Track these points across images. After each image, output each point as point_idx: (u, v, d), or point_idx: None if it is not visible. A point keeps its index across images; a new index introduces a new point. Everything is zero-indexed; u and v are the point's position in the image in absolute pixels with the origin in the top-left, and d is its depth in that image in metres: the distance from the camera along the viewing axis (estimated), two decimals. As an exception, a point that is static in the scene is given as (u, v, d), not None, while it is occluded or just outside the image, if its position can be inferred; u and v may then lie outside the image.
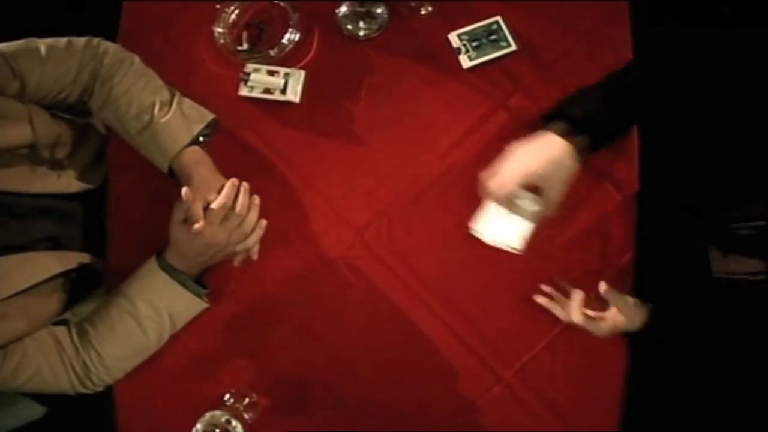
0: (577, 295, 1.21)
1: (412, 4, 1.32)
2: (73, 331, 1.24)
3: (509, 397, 1.28)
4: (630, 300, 1.20)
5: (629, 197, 1.29)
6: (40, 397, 1.66)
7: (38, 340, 1.20)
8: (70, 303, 1.27)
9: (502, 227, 1.17)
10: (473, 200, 1.22)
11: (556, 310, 1.25)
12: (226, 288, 1.32)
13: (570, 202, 1.17)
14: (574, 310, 1.20)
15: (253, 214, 1.23)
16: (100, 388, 1.28)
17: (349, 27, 1.34)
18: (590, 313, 1.21)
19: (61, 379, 1.22)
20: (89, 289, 1.33)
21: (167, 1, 1.41)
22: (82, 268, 1.26)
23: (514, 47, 1.31)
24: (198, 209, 1.18)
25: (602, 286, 1.16)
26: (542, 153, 1.12)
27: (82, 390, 1.26)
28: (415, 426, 1.30)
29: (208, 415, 1.23)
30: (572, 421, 1.28)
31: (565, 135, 1.12)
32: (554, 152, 1.11)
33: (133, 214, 1.34)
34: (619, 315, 1.19)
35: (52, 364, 1.21)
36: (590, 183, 1.28)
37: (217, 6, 1.35)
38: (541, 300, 1.26)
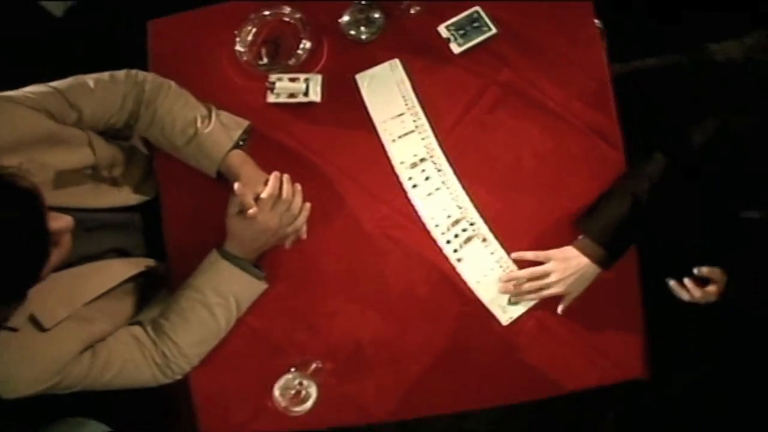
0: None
1: (402, 5, 1.57)
2: (148, 327, 1.42)
3: (540, 328, 1.49)
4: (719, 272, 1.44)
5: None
6: (104, 418, 1.79)
7: (119, 338, 1.37)
8: (141, 304, 1.44)
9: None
10: (482, 163, 1.51)
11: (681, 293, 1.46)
12: (279, 270, 1.52)
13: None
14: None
15: (298, 198, 1.44)
16: (179, 376, 1.45)
17: (353, 32, 1.58)
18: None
19: (144, 372, 1.39)
20: (155, 290, 1.48)
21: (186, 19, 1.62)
22: (147, 272, 1.42)
23: (494, 30, 1.56)
24: (250, 199, 1.39)
25: (703, 270, 1.42)
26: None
27: (164, 380, 1.43)
28: (458, 362, 1.49)
29: (282, 380, 1.44)
30: (598, 342, 1.48)
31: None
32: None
33: (186, 219, 1.54)
34: (718, 284, 1.43)
35: (134, 358, 1.38)
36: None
37: (235, 31, 1.56)
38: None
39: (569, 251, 1.45)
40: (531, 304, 1.49)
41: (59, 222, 1.07)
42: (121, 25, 2.15)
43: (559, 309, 1.47)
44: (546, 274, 1.45)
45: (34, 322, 1.20)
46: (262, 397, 1.47)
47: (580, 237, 1.45)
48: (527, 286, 1.47)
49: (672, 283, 1.45)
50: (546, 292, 1.46)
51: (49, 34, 2.42)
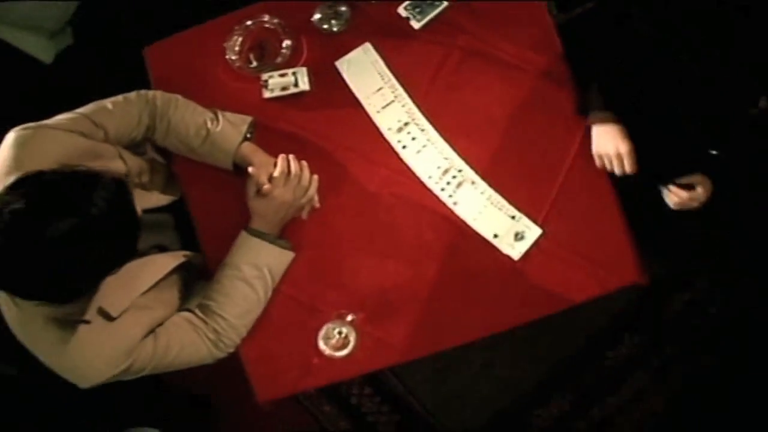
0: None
1: None
2: (197, 311, 1.60)
3: (539, 252, 1.71)
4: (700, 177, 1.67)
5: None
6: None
7: (174, 322, 1.55)
8: (186, 291, 1.62)
9: None
10: (458, 117, 1.76)
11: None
12: (302, 239, 1.73)
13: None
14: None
15: (306, 172, 1.67)
16: (231, 349, 1.63)
17: (325, 27, 1.82)
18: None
19: (200, 349, 1.57)
20: (195, 279, 1.67)
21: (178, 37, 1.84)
22: (187, 263, 1.60)
23: (446, 3, 1.81)
24: (264, 179, 1.62)
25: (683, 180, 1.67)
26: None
27: (219, 354, 1.61)
28: (472, 293, 1.71)
29: (323, 330, 1.65)
30: (594, 256, 1.71)
31: None
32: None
33: (211, 210, 1.74)
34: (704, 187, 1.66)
35: (191, 338, 1.56)
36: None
37: (224, 43, 1.78)
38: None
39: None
40: (537, 234, 1.71)
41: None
42: (115, 58, 2.37)
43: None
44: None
45: (103, 313, 1.37)
46: (307, 355, 1.68)
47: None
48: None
49: (664, 190, 1.69)
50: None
51: (43, 82, 2.62)
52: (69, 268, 1.19)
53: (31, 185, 1.17)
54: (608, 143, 1.68)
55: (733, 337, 2.71)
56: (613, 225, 1.75)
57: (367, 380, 2.71)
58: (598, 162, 1.72)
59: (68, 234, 1.15)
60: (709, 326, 2.73)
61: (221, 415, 2.55)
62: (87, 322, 1.34)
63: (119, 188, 1.22)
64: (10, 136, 1.42)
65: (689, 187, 1.69)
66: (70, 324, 1.33)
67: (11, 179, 1.22)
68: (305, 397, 2.69)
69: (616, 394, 2.73)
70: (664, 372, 2.73)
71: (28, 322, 1.34)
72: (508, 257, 1.72)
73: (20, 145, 1.40)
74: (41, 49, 2.69)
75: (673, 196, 1.70)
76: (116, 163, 1.53)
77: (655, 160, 1.74)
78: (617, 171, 1.69)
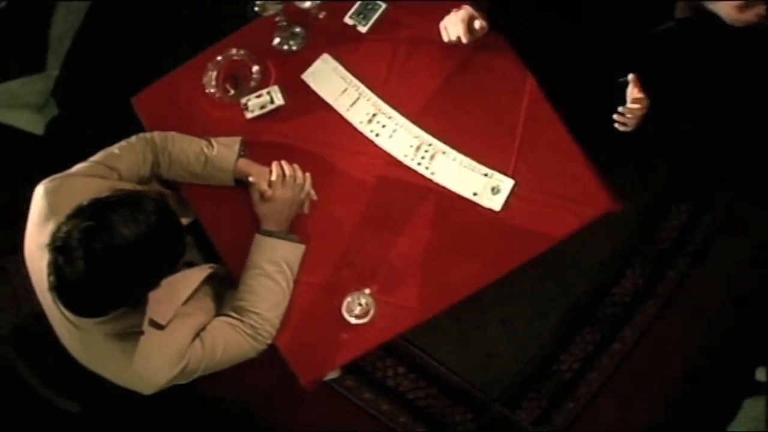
0: None
1: (311, 14, 2.10)
2: (231, 312, 1.86)
3: (519, 199, 2.01)
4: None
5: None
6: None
7: (215, 326, 1.81)
8: (218, 298, 1.89)
9: None
10: (417, 99, 2.08)
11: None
12: (308, 232, 2.01)
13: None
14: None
15: (299, 171, 1.97)
16: (269, 340, 1.89)
17: (285, 48, 2.12)
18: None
19: (242, 345, 1.83)
20: (223, 288, 1.95)
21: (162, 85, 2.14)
22: (213, 275, 1.88)
23: (384, 5, 2.12)
24: (264, 185, 1.91)
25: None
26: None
27: (259, 347, 1.86)
28: (468, 247, 2.01)
29: (345, 303, 1.94)
30: (568, 193, 2.01)
31: None
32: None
33: (224, 224, 2.02)
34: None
35: (231, 336, 1.82)
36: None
37: (202, 81, 2.07)
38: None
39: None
40: (511, 185, 2.01)
41: None
42: (100, 117, 2.70)
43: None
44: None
45: (154, 324, 1.64)
46: (336, 332, 1.97)
47: None
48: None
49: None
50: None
51: (40, 153, 2.93)
52: (138, 272, 1.45)
53: (92, 208, 1.43)
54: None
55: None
56: (577, 162, 2.05)
57: (399, 360, 2.98)
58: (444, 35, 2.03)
59: (135, 241, 1.41)
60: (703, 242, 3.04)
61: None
62: (141, 332, 1.60)
63: (161, 201, 1.50)
64: (40, 189, 1.69)
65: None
66: (127, 337, 1.59)
67: (51, 225, 1.49)
68: (345, 388, 2.95)
69: (630, 326, 3.00)
70: (671, 298, 3.00)
71: (91, 341, 1.60)
72: (491, 210, 2.01)
73: (52, 194, 1.66)
74: (32, 124, 3.01)
75: (626, 116, 1.96)
76: None
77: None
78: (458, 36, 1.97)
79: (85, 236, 1.38)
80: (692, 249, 3.05)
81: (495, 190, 2.02)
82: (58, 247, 1.40)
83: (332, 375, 2.80)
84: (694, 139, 2.36)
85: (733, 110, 2.10)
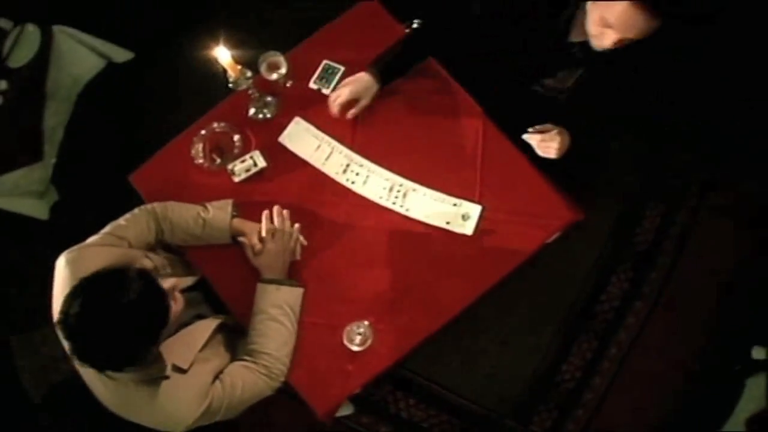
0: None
1: (279, 83, 2.41)
2: (245, 356, 2.13)
3: (490, 222, 2.33)
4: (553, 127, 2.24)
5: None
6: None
7: (232, 369, 2.07)
8: (230, 346, 2.16)
9: None
10: (384, 146, 2.40)
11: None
12: (304, 276, 2.30)
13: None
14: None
15: (287, 222, 2.26)
16: (283, 377, 2.15)
17: (261, 116, 2.43)
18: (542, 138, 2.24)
19: (258, 383, 2.09)
20: (234, 337, 2.22)
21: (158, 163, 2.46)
22: (224, 324, 2.16)
23: (342, 68, 2.45)
24: (256, 240, 2.22)
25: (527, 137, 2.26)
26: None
27: (274, 384, 2.13)
28: (449, 271, 2.31)
29: (345, 334, 2.20)
30: (531, 210, 2.33)
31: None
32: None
33: (228, 278, 2.30)
34: (559, 135, 2.21)
35: (248, 377, 2.08)
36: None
37: (191, 153, 2.39)
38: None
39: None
40: (479, 210, 2.31)
41: (167, 283, 1.81)
42: (98, 197, 3.07)
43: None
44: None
45: (177, 368, 1.91)
46: (342, 363, 2.25)
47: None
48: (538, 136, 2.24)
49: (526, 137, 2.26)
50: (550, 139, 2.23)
51: (45, 236, 3.25)
52: (133, 332, 1.71)
53: (83, 285, 1.71)
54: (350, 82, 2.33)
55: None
56: (535, 180, 2.36)
57: (408, 392, 3.25)
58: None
59: (123, 308, 1.68)
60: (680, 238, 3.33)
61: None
62: (167, 377, 1.87)
63: (143, 272, 1.77)
64: (61, 260, 1.97)
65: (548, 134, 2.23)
66: (154, 382, 1.86)
67: None
68: (361, 425, 3.20)
69: (625, 329, 3.27)
70: (658, 296, 3.28)
71: (122, 390, 1.86)
72: (464, 235, 2.31)
73: (72, 263, 1.94)
74: (36, 210, 3.34)
75: (535, 143, 2.25)
76: (145, 261, 2.07)
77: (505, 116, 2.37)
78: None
79: (81, 310, 1.67)
80: (671, 246, 3.33)
81: (465, 217, 2.32)
82: (62, 320, 1.69)
83: (347, 411, 3.05)
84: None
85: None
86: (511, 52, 2.28)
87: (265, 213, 2.26)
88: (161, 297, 1.77)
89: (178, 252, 2.32)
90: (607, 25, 1.95)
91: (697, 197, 3.39)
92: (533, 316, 3.29)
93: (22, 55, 3.09)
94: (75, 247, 2.02)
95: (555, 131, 2.24)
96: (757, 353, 3.04)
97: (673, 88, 2.26)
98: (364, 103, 2.34)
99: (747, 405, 2.93)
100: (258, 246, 2.21)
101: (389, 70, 2.35)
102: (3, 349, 2.82)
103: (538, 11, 2.19)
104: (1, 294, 3.31)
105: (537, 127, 2.26)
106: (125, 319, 1.69)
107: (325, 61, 2.47)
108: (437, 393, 3.25)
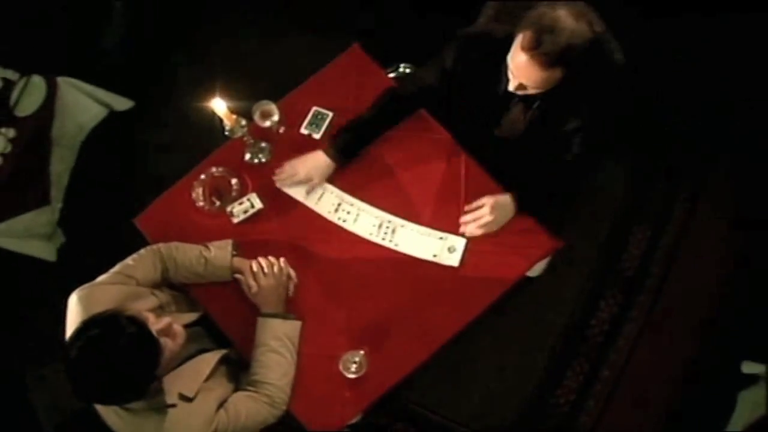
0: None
1: (273, 130, 2.62)
2: (248, 387, 2.30)
3: (475, 253, 2.54)
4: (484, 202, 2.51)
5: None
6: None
7: (236, 398, 2.24)
8: (233, 378, 2.34)
9: None
10: (371, 185, 2.63)
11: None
12: (301, 311, 2.48)
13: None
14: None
15: (274, 259, 2.46)
16: (284, 406, 2.32)
17: (256, 160, 2.64)
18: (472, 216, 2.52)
19: (261, 411, 2.26)
20: (237, 370, 2.40)
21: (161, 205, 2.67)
22: (226, 357, 2.34)
23: (331, 114, 2.67)
24: (251, 280, 2.41)
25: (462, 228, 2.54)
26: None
27: (276, 412, 2.30)
28: (437, 300, 2.51)
29: (341, 363, 2.38)
30: (512, 242, 2.54)
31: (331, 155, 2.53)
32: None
33: (229, 315, 2.48)
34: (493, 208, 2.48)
35: (251, 405, 2.25)
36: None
37: (192, 196, 2.59)
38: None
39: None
40: (464, 243, 2.52)
41: (160, 324, 1.99)
42: (103, 239, 3.29)
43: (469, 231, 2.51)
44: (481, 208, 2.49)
45: (183, 397, 2.08)
46: (341, 391, 2.43)
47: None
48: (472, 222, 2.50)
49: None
50: (483, 221, 2.48)
51: (55, 277, 3.44)
52: (129, 369, 1.88)
53: (81, 330, 1.88)
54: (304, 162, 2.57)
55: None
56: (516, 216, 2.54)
57: (410, 423, 3.41)
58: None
59: (119, 350, 1.86)
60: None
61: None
62: (174, 405, 2.05)
63: (134, 318, 1.92)
64: (74, 297, 2.15)
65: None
66: (162, 411, 2.03)
67: None
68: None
69: (616, 352, 3.43)
70: (647, 318, 3.44)
71: (134, 418, 2.04)
72: (451, 266, 2.51)
73: (83, 300, 2.13)
74: (45, 251, 3.53)
75: (472, 228, 2.52)
76: (151, 299, 2.27)
77: None
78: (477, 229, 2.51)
79: (78, 354, 1.85)
80: (657, 270, 3.50)
81: (451, 249, 2.52)
82: (64, 362, 1.88)
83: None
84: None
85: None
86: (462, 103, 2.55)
87: (255, 260, 2.46)
88: (151, 341, 1.94)
89: (182, 289, 2.50)
90: (512, 74, 2.20)
91: (681, 221, 3.57)
92: (525, 342, 3.45)
93: (29, 105, 3.29)
94: (86, 285, 2.21)
95: (487, 207, 2.50)
96: (747, 368, 3.14)
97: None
98: (315, 183, 2.58)
99: (739, 419, 3.06)
100: (253, 283, 2.41)
101: (352, 145, 2.58)
102: (19, 383, 3.00)
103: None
104: (15, 329, 3.50)
105: (471, 205, 2.53)
106: (118, 364, 1.88)
107: (314, 108, 2.69)
108: (436, 421, 3.40)
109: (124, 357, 1.87)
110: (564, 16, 2.03)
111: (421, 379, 3.35)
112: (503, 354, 3.44)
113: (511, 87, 2.26)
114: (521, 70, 2.14)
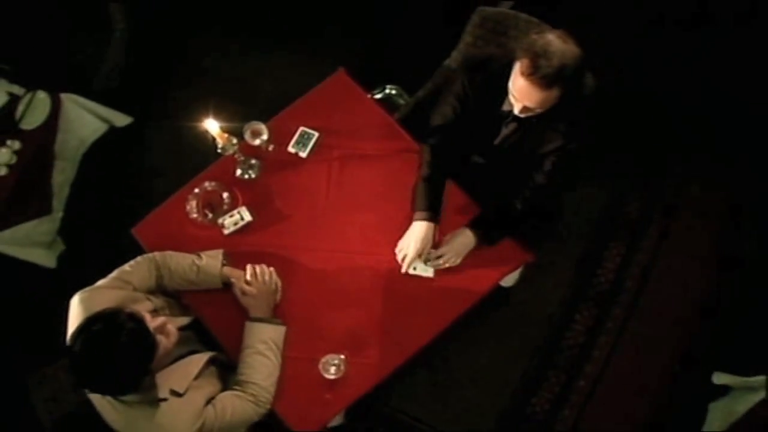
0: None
1: (262, 148, 2.85)
2: (235, 386, 2.50)
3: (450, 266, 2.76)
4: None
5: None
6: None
7: (223, 396, 2.44)
8: (223, 377, 2.55)
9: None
10: (357, 200, 2.82)
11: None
12: (286, 317, 2.70)
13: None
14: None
15: (266, 268, 2.69)
16: (269, 405, 2.52)
17: (246, 177, 2.87)
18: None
19: (246, 409, 2.47)
20: (226, 371, 2.61)
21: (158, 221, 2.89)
22: (215, 359, 2.55)
23: (317, 134, 2.90)
24: (243, 285, 2.63)
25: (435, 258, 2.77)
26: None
27: (261, 410, 2.50)
28: (415, 308, 2.75)
29: (321, 364, 2.59)
30: (486, 254, 2.77)
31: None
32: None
33: (219, 320, 2.70)
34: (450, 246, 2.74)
35: (237, 403, 2.45)
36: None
37: (186, 209, 2.83)
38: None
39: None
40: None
41: (155, 322, 2.20)
42: (101, 248, 3.54)
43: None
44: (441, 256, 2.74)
45: (174, 393, 2.28)
46: (321, 393, 2.63)
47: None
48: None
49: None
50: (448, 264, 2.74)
51: (54, 284, 3.61)
52: (125, 362, 2.10)
53: (83, 326, 2.10)
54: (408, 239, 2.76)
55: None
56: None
57: (387, 427, 3.59)
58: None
59: (119, 344, 2.08)
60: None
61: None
62: (165, 399, 2.25)
63: (133, 315, 2.15)
64: (75, 299, 2.34)
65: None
66: (155, 404, 2.24)
67: None
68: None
69: (590, 363, 3.62)
70: (621, 329, 3.65)
71: (128, 411, 2.23)
72: (427, 277, 2.74)
73: (84, 302, 2.33)
74: (45, 259, 3.72)
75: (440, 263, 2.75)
76: (147, 303, 2.47)
77: None
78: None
79: (83, 347, 2.07)
80: (632, 284, 3.71)
81: (426, 264, 2.75)
82: (69, 354, 2.09)
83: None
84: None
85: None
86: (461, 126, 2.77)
87: (249, 265, 2.70)
88: (148, 336, 2.16)
89: (175, 296, 2.71)
90: (515, 98, 2.45)
91: (655, 238, 3.80)
92: (503, 354, 3.65)
93: (33, 119, 3.51)
94: (87, 288, 2.41)
95: (447, 255, 2.76)
96: (718, 379, 3.31)
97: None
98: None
99: (709, 429, 3.25)
100: (246, 288, 2.62)
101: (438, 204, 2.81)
102: (19, 385, 3.18)
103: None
104: (16, 332, 3.71)
105: (431, 256, 2.80)
106: (118, 356, 2.09)
107: (301, 128, 2.93)
108: (415, 428, 3.59)
109: (124, 350, 2.08)
110: (553, 40, 2.29)
111: (402, 386, 3.55)
112: (482, 364, 3.63)
113: (516, 111, 2.51)
114: (523, 93, 2.39)
